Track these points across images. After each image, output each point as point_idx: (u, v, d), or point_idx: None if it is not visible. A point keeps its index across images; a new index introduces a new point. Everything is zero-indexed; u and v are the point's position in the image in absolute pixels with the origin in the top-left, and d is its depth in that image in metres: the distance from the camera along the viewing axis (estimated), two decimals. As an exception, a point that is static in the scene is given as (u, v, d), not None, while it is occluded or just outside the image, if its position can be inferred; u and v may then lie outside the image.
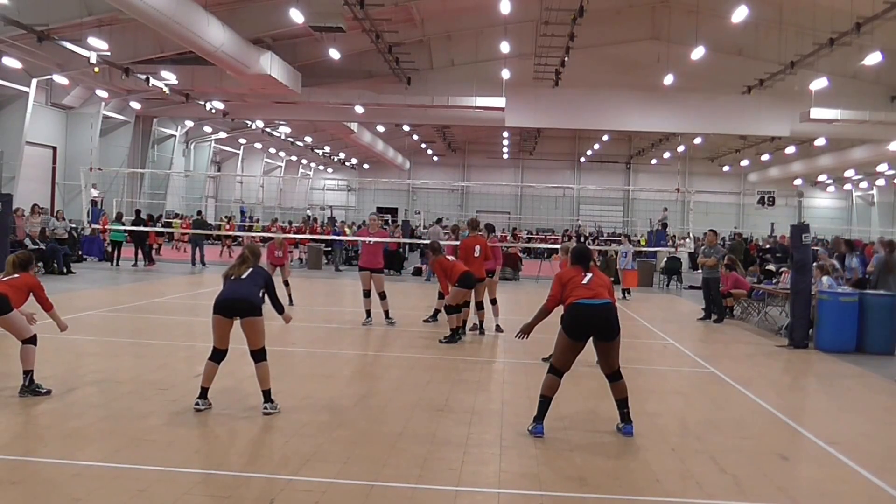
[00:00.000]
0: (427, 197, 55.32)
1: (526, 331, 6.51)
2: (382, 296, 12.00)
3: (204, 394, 6.49)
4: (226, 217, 39.66)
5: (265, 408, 6.48)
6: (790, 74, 26.05)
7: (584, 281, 6.27)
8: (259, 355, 6.51)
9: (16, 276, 7.18)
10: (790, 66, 25.56)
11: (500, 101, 28.03)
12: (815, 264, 12.45)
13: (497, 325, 11.93)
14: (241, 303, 6.44)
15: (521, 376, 8.79)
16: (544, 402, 6.23)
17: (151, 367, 8.36)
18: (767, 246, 26.33)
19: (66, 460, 5.13)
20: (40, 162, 29.69)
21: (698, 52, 23.65)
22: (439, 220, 33.03)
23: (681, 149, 45.35)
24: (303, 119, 36.08)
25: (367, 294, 12.01)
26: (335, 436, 5.93)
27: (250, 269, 6.70)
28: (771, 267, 18.08)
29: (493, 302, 12.05)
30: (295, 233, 26.59)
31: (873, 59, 21.97)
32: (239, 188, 53.41)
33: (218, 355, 6.52)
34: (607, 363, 6.29)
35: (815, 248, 16.38)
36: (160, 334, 10.76)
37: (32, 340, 6.91)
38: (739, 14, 20.63)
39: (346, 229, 30.71)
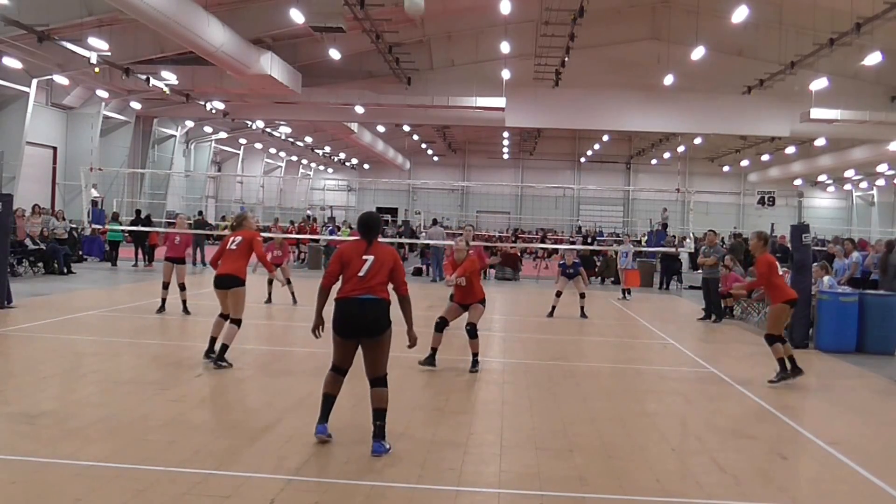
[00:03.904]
0: (427, 197, 55.31)
1: (315, 326, 5.78)
2: None
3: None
4: (223, 218, 39.57)
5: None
6: (790, 74, 26.03)
7: (362, 272, 5.53)
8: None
9: (239, 238, 8.32)
10: (790, 66, 25.54)
11: (500, 101, 28.03)
12: (815, 264, 12.45)
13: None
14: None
15: (521, 376, 8.78)
16: (327, 400, 5.65)
17: (151, 367, 8.36)
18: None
19: (66, 460, 5.13)
20: (41, 162, 29.68)
21: (698, 52, 23.65)
22: (434, 221, 33.03)
23: (681, 149, 45.32)
24: (303, 119, 36.06)
25: None
26: (335, 436, 5.92)
27: None
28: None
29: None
30: (296, 233, 26.58)
31: (873, 59, 21.96)
32: (239, 188, 53.39)
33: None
34: (371, 365, 5.57)
35: (836, 246, 16.41)
36: (160, 334, 10.77)
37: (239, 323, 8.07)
38: (739, 14, 20.63)
39: (346, 229, 30.65)
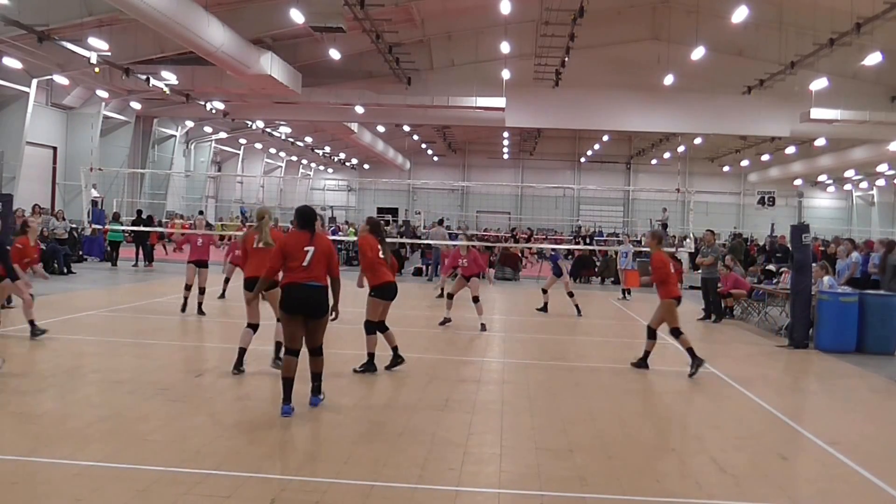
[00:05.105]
0: (427, 197, 55.29)
1: (254, 297, 7.00)
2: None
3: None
4: (222, 219, 39.57)
5: None
6: (790, 74, 26.03)
7: (305, 262, 6.29)
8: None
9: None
10: (790, 66, 25.54)
11: (500, 102, 28.02)
12: (815, 264, 12.45)
13: (482, 325, 12.11)
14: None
15: (521, 376, 8.78)
16: (286, 383, 6.36)
17: (151, 367, 8.36)
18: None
19: (66, 460, 5.13)
20: (41, 162, 29.67)
21: (698, 52, 23.64)
22: (441, 221, 32.92)
23: (681, 149, 45.32)
24: (303, 119, 36.05)
25: None
26: (335, 436, 5.92)
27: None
28: (771, 267, 18.09)
29: (476, 300, 12.24)
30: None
31: (873, 59, 21.96)
32: (239, 188, 53.39)
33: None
34: (310, 339, 6.47)
35: (839, 247, 16.42)
36: (160, 334, 10.76)
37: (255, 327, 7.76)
38: (739, 14, 20.62)
39: (349, 229, 30.72)
